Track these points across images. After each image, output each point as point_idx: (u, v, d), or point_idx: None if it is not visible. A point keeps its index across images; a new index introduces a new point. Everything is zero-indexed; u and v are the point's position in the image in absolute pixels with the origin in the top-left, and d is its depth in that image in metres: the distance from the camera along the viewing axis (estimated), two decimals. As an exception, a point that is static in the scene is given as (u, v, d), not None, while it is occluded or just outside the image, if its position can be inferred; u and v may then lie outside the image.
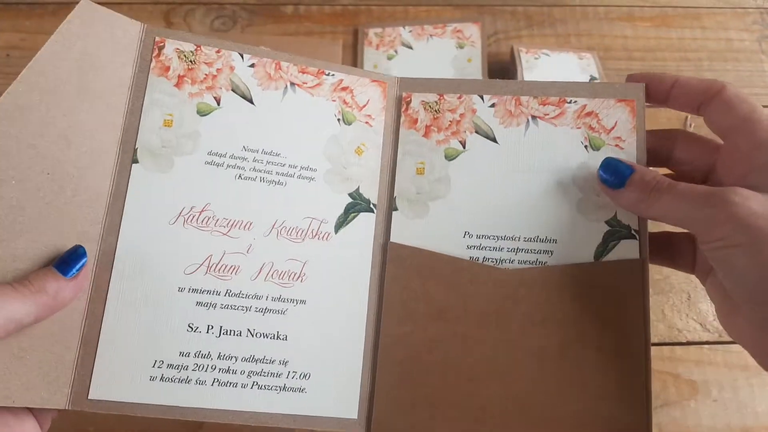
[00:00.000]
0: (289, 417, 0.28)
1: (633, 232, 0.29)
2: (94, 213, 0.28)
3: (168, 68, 0.30)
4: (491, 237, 0.30)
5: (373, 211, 0.31)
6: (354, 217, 0.31)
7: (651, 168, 0.28)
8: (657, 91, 0.29)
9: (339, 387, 0.29)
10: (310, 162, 0.31)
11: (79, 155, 0.28)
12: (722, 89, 0.26)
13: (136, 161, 0.29)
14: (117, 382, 0.27)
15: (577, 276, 0.28)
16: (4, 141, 0.26)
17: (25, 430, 0.26)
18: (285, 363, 0.28)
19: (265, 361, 0.28)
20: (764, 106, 0.54)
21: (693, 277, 0.49)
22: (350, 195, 0.31)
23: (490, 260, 0.29)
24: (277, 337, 0.29)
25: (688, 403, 0.46)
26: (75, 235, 0.27)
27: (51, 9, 0.59)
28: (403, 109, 0.32)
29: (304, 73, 0.32)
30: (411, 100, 0.32)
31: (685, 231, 0.29)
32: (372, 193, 0.31)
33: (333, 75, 0.32)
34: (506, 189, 0.30)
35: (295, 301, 0.29)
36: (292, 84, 0.31)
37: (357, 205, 0.31)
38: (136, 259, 0.28)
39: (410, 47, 0.55)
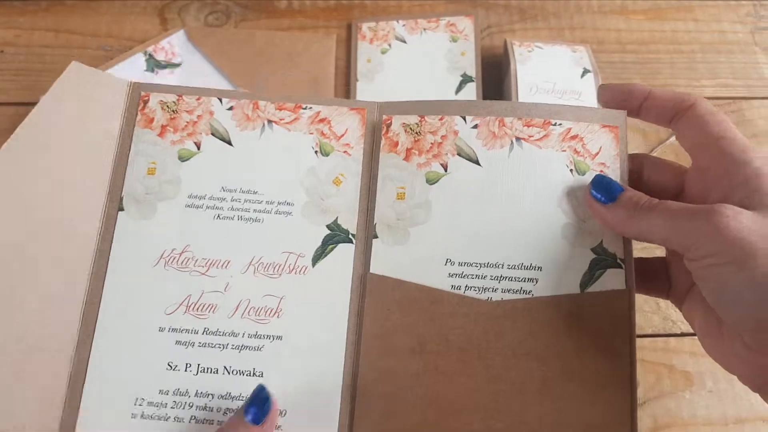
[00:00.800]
0: None
1: (619, 260, 0.28)
2: (83, 260, 0.30)
3: (152, 119, 0.32)
4: (474, 264, 0.29)
5: (351, 242, 0.31)
6: (332, 249, 0.30)
7: None
8: (629, 103, 0.28)
9: (316, 424, 0.28)
10: (287, 197, 0.31)
11: (70, 205, 0.30)
12: (693, 105, 0.26)
13: (122, 209, 0.31)
14: (101, 419, 0.28)
15: (561, 308, 0.28)
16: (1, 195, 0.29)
17: None
18: None
19: (240, 398, 0.28)
20: (759, 98, 0.54)
21: (687, 268, 0.50)
22: (328, 227, 0.31)
23: (473, 288, 0.28)
24: (253, 374, 0.29)
25: (683, 394, 0.46)
26: (65, 280, 0.29)
27: (44, 5, 0.59)
28: (383, 133, 0.31)
29: (281, 109, 0.32)
30: (391, 122, 0.32)
31: (658, 256, 0.28)
32: (351, 223, 0.31)
33: (310, 108, 0.32)
34: (489, 214, 0.29)
35: (271, 337, 0.29)
36: (270, 122, 0.32)
37: (335, 236, 0.31)
38: (120, 302, 0.29)
39: (404, 41, 0.55)
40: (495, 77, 0.55)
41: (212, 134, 0.32)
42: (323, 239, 0.30)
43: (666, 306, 0.49)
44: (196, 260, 0.30)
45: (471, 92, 0.52)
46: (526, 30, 0.58)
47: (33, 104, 0.52)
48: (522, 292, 0.28)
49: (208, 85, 0.54)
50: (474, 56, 0.54)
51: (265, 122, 0.32)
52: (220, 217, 0.31)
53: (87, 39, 0.57)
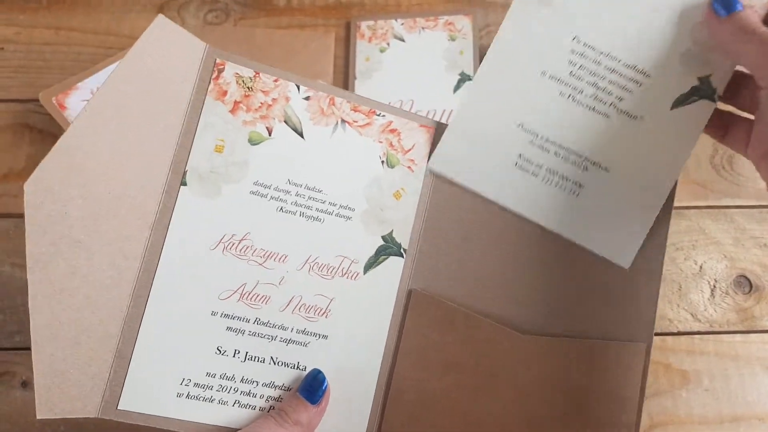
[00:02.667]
0: None
1: (402, 250, 0.32)
2: (140, 231, 0.29)
3: (225, 92, 0.31)
4: (596, 50, 0.31)
5: (402, 256, 0.32)
6: (384, 260, 0.32)
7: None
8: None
9: (349, 420, 0.30)
10: (349, 201, 0.32)
11: (135, 172, 0.29)
12: None
13: (184, 184, 0.30)
14: (146, 395, 0.28)
15: (587, 352, 0.31)
16: (79, 159, 0.27)
17: None
18: None
19: (283, 388, 0.30)
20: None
21: (684, 267, 0.50)
22: (383, 238, 0.32)
23: (587, 70, 0.31)
24: (297, 367, 0.30)
25: (680, 393, 0.46)
26: (118, 254, 0.28)
27: (45, 3, 0.59)
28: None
29: (355, 111, 0.33)
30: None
31: (747, 115, 0.30)
32: (404, 238, 0.32)
33: (383, 116, 0.33)
34: (628, 16, 0.31)
35: (317, 335, 0.30)
36: (343, 121, 0.32)
37: (388, 248, 0.32)
38: (175, 280, 0.29)
39: (402, 40, 0.55)
40: (493, 76, 0.55)
41: (285, 122, 0.32)
42: (377, 249, 0.32)
43: (663, 305, 0.49)
44: (255, 250, 0.30)
45: (469, 91, 0.52)
46: (525, 29, 0.58)
47: (33, 101, 0.53)
48: (624, 89, 0.31)
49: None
50: (472, 55, 0.54)
51: (339, 121, 0.32)
52: (284, 210, 0.31)
53: (87, 36, 0.58)
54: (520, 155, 0.31)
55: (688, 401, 0.46)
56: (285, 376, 0.30)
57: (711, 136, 0.31)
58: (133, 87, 0.29)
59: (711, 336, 0.48)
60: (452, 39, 0.55)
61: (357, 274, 0.31)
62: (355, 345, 0.31)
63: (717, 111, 0.31)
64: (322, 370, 0.30)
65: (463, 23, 0.55)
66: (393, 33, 0.56)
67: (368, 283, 0.31)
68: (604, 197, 0.31)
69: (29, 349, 0.26)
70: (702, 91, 0.30)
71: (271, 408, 0.29)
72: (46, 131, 0.53)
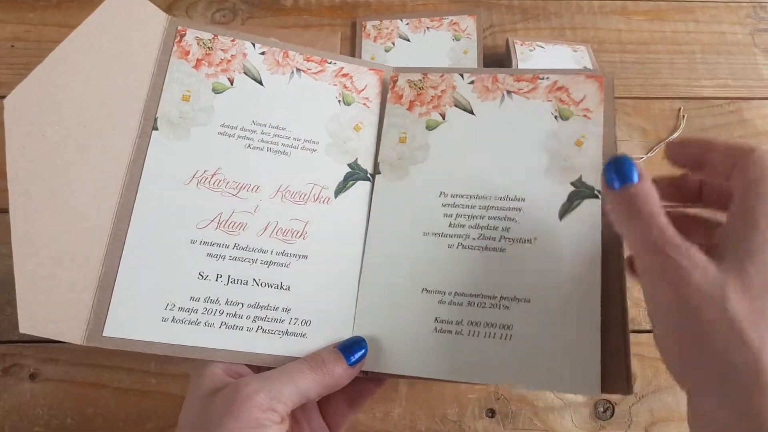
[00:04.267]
0: (290, 359, 0.29)
1: (596, 192, 0.30)
2: (116, 169, 0.31)
3: (188, 52, 0.34)
4: (465, 196, 0.32)
5: (369, 180, 0.34)
6: (352, 185, 0.33)
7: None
8: (693, 156, 0.27)
9: (336, 332, 0.31)
10: (312, 136, 0.34)
11: (108, 115, 0.31)
12: (752, 150, 0.24)
13: (156, 128, 0.32)
14: (130, 321, 0.29)
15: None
16: (54, 90, 0.29)
17: None
18: (287, 310, 0.31)
19: (269, 308, 0.30)
20: (758, 99, 0.55)
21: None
22: (349, 165, 0.34)
23: (463, 216, 0.31)
24: (281, 287, 0.31)
25: (680, 389, 0.47)
26: (96, 188, 0.30)
27: (54, 2, 0.60)
28: (390, 87, 0.35)
29: (308, 61, 0.35)
30: (398, 79, 0.35)
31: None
32: (368, 164, 0.34)
33: (335, 63, 0.35)
34: (480, 155, 0.33)
35: (297, 256, 0.32)
36: (298, 70, 0.35)
37: (355, 174, 0.34)
38: (152, 213, 0.31)
39: (407, 39, 0.56)
40: (497, 75, 0.56)
41: (245, 73, 0.34)
42: (345, 175, 0.33)
43: (664, 302, 0.49)
44: (228, 182, 0.32)
45: (473, 90, 0.53)
46: (528, 29, 0.59)
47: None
48: (506, 219, 0.31)
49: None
50: (476, 55, 0.54)
51: (294, 70, 0.35)
52: (251, 147, 0.33)
53: (96, 35, 0.58)
54: (435, 318, 0.30)
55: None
56: (269, 296, 0.30)
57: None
58: (101, 40, 0.31)
59: (712, 333, 0.49)
60: (456, 39, 0.55)
61: (329, 199, 0.33)
62: (334, 263, 0.32)
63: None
64: (306, 288, 0.31)
65: (468, 23, 0.56)
66: (398, 33, 0.56)
67: (340, 206, 0.33)
68: (539, 330, 0.29)
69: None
70: (581, 192, 0.30)
71: (259, 328, 0.30)
72: (55, 128, 0.54)
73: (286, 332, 0.30)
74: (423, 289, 0.31)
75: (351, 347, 0.29)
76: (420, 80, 0.35)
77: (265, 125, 0.33)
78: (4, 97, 0.28)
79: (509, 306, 0.29)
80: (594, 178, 0.30)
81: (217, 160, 0.32)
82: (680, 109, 0.55)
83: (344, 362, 0.29)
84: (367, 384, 0.31)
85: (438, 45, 0.55)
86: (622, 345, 0.27)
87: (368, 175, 0.34)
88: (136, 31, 0.33)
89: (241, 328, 0.30)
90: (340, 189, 0.33)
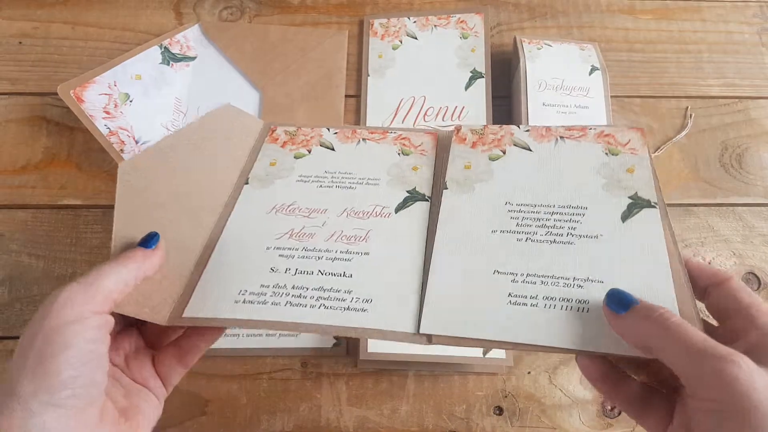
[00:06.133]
0: (351, 329, 0.31)
1: (653, 203, 0.33)
2: (212, 209, 0.39)
3: (277, 139, 0.43)
4: (529, 205, 0.35)
5: (427, 201, 0.38)
6: (411, 204, 0.38)
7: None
8: None
9: (398, 310, 0.32)
10: (375, 176, 0.40)
11: (209, 180, 0.40)
12: (730, 279, 0.28)
13: (247, 183, 0.40)
14: (207, 305, 0.33)
15: None
16: (167, 156, 0.38)
17: (150, 401, 0.32)
18: (349, 292, 0.33)
19: (332, 290, 0.33)
20: (765, 98, 0.55)
21: (693, 263, 0.50)
22: (408, 191, 0.39)
23: (529, 219, 0.34)
24: (344, 275, 0.34)
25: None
26: (196, 219, 0.38)
27: (62, -1, 0.60)
28: (454, 133, 0.41)
29: (372, 133, 0.43)
30: (461, 128, 0.41)
31: (663, 391, 0.28)
32: (425, 190, 0.38)
33: (394, 132, 0.42)
34: (540, 178, 0.36)
35: (359, 253, 0.35)
36: (364, 139, 0.42)
37: (414, 196, 0.38)
38: (238, 233, 0.37)
39: (415, 37, 0.56)
40: (504, 74, 0.56)
41: (320, 145, 0.42)
42: (404, 198, 0.38)
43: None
44: (301, 209, 0.38)
45: (480, 88, 0.53)
46: (536, 28, 0.59)
47: (50, 94, 0.53)
48: (572, 221, 0.33)
49: (221, 78, 0.55)
50: (484, 53, 0.54)
51: (361, 139, 0.42)
52: (322, 186, 0.39)
53: (104, 32, 0.58)
54: (509, 294, 0.31)
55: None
56: (333, 282, 0.33)
57: (631, 415, 0.29)
58: (204, 134, 0.41)
59: (719, 332, 0.49)
60: (464, 37, 0.55)
61: (389, 214, 0.37)
62: (395, 257, 0.35)
63: (645, 389, 0.29)
64: (367, 276, 0.34)
65: (475, 21, 0.56)
66: (406, 30, 0.56)
67: (399, 218, 0.37)
68: None
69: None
70: (639, 203, 0.33)
71: (321, 306, 0.32)
72: (62, 124, 0.54)
73: (348, 308, 0.32)
74: (495, 271, 0.32)
75: (146, 239, 0.32)
76: (481, 129, 0.40)
77: (335, 172, 0.40)
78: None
79: (583, 286, 0.30)
80: (649, 194, 0.33)
81: (294, 196, 0.39)
82: (687, 108, 0.55)
83: (143, 248, 0.31)
84: (195, 341, 0.33)
85: (445, 43, 0.55)
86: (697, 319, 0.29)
87: (426, 198, 0.38)
88: (240, 129, 0.43)
89: (305, 305, 0.32)
90: (400, 207, 0.37)
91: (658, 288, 0.29)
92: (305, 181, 0.40)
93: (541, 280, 0.31)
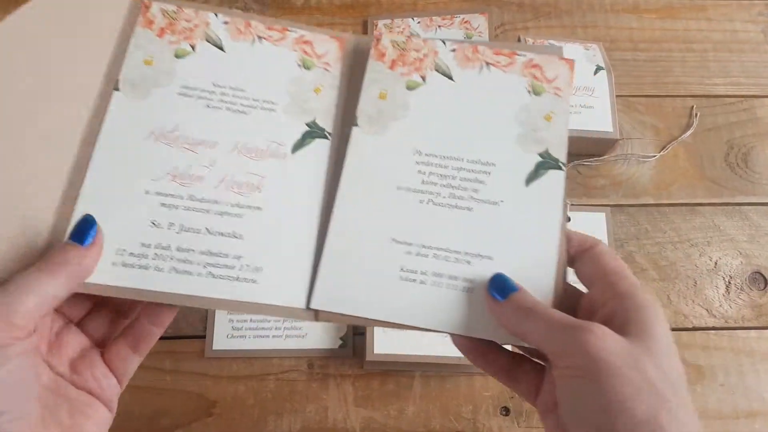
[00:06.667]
0: (240, 303, 0.30)
1: (561, 164, 0.32)
2: (76, 123, 0.32)
3: (152, 22, 0.35)
4: (439, 156, 0.33)
5: (327, 138, 0.34)
6: (310, 142, 0.34)
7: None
8: None
9: (289, 279, 0.31)
10: (271, 97, 0.34)
11: (69, 81, 0.32)
12: (595, 245, 0.29)
13: (117, 89, 0.33)
14: None
15: None
16: (18, 44, 0.31)
17: (98, 414, 0.28)
18: (239, 258, 0.31)
19: (220, 255, 0.31)
20: (770, 96, 0.55)
21: (699, 263, 0.50)
22: (307, 124, 0.34)
23: (436, 175, 0.33)
24: (233, 235, 0.31)
25: (695, 388, 0.47)
26: (54, 142, 0.31)
27: None
28: (373, 44, 0.36)
29: (270, 29, 0.36)
30: (381, 38, 0.36)
31: (537, 360, 0.30)
32: (327, 124, 0.34)
33: (295, 31, 0.36)
34: (456, 119, 0.34)
35: (251, 208, 0.32)
36: (259, 37, 0.36)
37: (313, 132, 0.34)
38: (109, 165, 0.32)
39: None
40: (509, 74, 0.55)
41: (206, 40, 0.35)
42: (303, 134, 0.34)
43: (678, 301, 0.49)
44: (185, 138, 0.33)
45: (485, 88, 0.53)
46: (540, 27, 0.58)
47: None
48: (476, 181, 0.32)
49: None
50: (488, 53, 0.54)
51: (255, 37, 0.36)
52: (210, 106, 0.34)
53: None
54: (401, 268, 0.31)
55: (703, 396, 0.46)
56: (221, 244, 0.31)
57: (503, 383, 0.31)
58: (64, 7, 0.33)
59: (726, 332, 0.49)
60: (468, 37, 0.55)
61: (285, 155, 0.33)
62: (289, 215, 0.32)
63: (512, 357, 0.30)
64: (258, 237, 0.31)
65: (479, 21, 0.56)
66: (409, 31, 0.56)
67: (297, 161, 0.33)
68: None
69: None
70: (546, 163, 0.33)
71: (209, 274, 0.30)
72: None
73: (237, 278, 0.30)
74: (392, 239, 0.32)
75: (79, 229, 0.28)
76: (404, 42, 0.36)
77: (224, 87, 0.34)
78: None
79: (471, 262, 0.31)
80: (559, 152, 0.32)
81: (176, 118, 0.33)
82: (693, 107, 0.55)
83: (77, 246, 0.27)
84: (148, 327, 0.30)
85: (450, 43, 0.55)
86: (565, 294, 0.30)
87: (326, 134, 0.34)
88: (99, 5, 0.35)
89: (191, 273, 0.30)
90: (298, 146, 0.34)
91: (543, 263, 0.30)
92: (189, 96, 0.34)
93: (434, 254, 0.31)
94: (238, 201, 0.32)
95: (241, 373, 0.46)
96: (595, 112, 0.50)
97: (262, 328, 0.47)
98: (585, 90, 0.51)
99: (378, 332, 0.46)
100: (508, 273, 0.30)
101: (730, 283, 0.50)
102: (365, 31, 0.57)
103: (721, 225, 0.52)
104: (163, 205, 0.31)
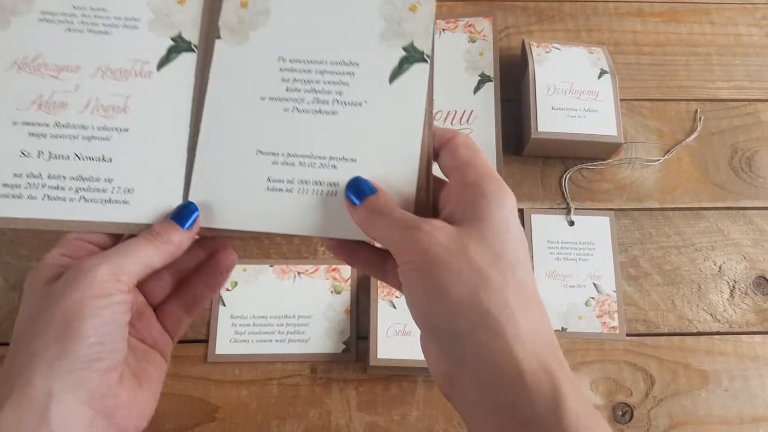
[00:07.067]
0: (114, 224, 0.31)
1: (426, 56, 0.32)
2: None
3: None
4: (302, 61, 0.33)
5: (194, 51, 0.34)
6: (176, 57, 0.34)
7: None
8: None
9: (163, 198, 0.32)
10: (133, 13, 0.34)
11: None
12: (453, 137, 0.30)
13: None
14: None
15: None
16: None
17: (157, 360, 0.31)
18: (110, 180, 0.32)
19: (91, 179, 0.31)
20: (775, 100, 0.55)
21: (703, 267, 0.50)
22: (172, 39, 0.34)
23: (300, 81, 0.33)
24: (102, 159, 0.32)
25: (699, 393, 0.46)
26: None
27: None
28: None
29: None
30: None
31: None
32: (193, 36, 0.34)
33: None
34: (319, 19, 0.33)
35: (118, 130, 0.32)
36: None
37: (179, 47, 0.34)
38: None
39: (422, 41, 0.56)
40: (513, 77, 0.55)
41: None
42: (168, 49, 0.34)
43: (682, 305, 0.49)
44: (48, 65, 0.33)
45: (489, 92, 0.53)
46: (544, 31, 0.58)
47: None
48: (340, 83, 0.33)
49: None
50: (492, 56, 0.54)
51: None
52: (71, 30, 0.33)
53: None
54: (268, 178, 0.32)
55: (707, 401, 0.46)
56: (91, 169, 0.32)
57: (372, 276, 0.32)
58: None
59: (730, 336, 0.48)
60: (472, 41, 0.55)
61: (150, 72, 0.33)
62: (158, 134, 0.33)
63: (378, 253, 0.32)
64: (128, 159, 0.32)
65: (484, 25, 0.56)
66: (413, 34, 0.56)
67: (163, 78, 0.33)
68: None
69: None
70: (411, 57, 0.32)
71: (81, 198, 0.31)
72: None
73: (109, 200, 0.31)
74: (258, 151, 0.32)
75: (182, 213, 0.31)
76: None
77: (85, 8, 0.33)
78: None
79: (337, 166, 0.32)
80: (424, 44, 0.32)
81: (38, 45, 0.33)
82: (697, 111, 0.55)
83: (179, 228, 0.30)
84: (201, 289, 0.33)
85: (454, 47, 0.55)
86: (429, 188, 0.31)
87: (192, 47, 0.34)
88: None
89: (64, 199, 0.31)
90: (163, 62, 0.33)
91: (406, 161, 0.31)
92: (50, 22, 0.33)
93: (299, 161, 0.32)
94: (104, 124, 0.32)
95: (243, 377, 0.46)
96: (599, 115, 0.50)
97: (265, 333, 0.47)
98: (589, 94, 0.51)
99: (382, 337, 0.46)
100: (372, 174, 0.31)
101: (734, 287, 0.50)
102: (369, 35, 0.57)
103: (725, 229, 0.52)
104: (31, 134, 0.32)
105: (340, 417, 0.45)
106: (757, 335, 0.48)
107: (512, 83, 0.55)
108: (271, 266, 0.49)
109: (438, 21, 0.56)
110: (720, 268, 0.50)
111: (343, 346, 0.47)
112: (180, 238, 0.30)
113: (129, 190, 0.31)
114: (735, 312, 0.49)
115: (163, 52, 0.33)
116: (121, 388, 0.27)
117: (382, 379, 0.46)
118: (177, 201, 0.32)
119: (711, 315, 0.49)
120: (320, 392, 0.45)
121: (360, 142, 0.32)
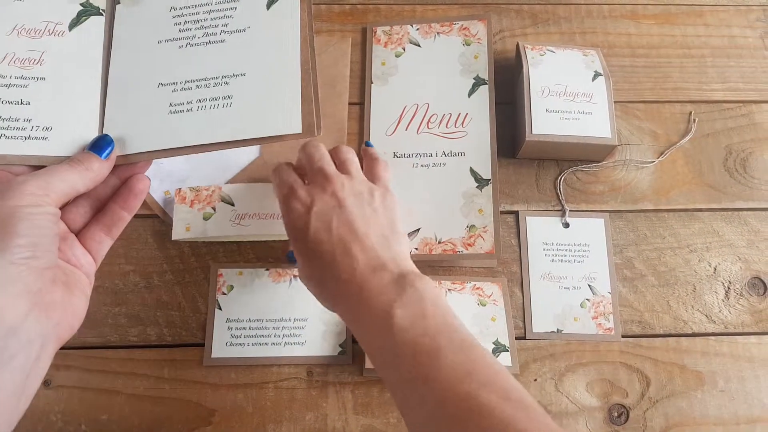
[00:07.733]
0: (35, 157, 0.35)
1: (102, 11, 0.39)
2: None
3: None
4: (191, 6, 0.39)
5: (102, 14, 0.39)
6: (85, 20, 0.38)
7: None
8: None
9: (79, 135, 0.36)
10: None
11: None
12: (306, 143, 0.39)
13: None
14: None
15: None
16: None
17: (82, 280, 0.34)
18: (29, 120, 0.35)
19: (11, 119, 0.35)
20: (768, 102, 0.55)
21: (698, 268, 0.50)
22: (81, 4, 0.39)
23: (191, 21, 0.39)
24: (21, 102, 0.36)
25: (695, 394, 0.47)
26: None
27: None
28: None
29: None
30: None
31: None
32: (101, 2, 0.39)
33: None
34: None
35: (35, 78, 0.37)
36: None
37: (87, 11, 0.39)
38: None
39: (418, 45, 0.56)
40: (507, 80, 0.56)
41: None
42: (78, 13, 0.38)
43: (677, 307, 0.49)
44: None
45: (484, 95, 0.53)
46: (538, 34, 0.59)
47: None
48: (225, 17, 0.39)
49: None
50: (487, 59, 0.54)
51: None
52: None
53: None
54: (170, 104, 0.37)
55: (703, 402, 0.46)
56: (11, 111, 0.35)
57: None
58: None
59: (726, 337, 0.48)
60: (467, 44, 0.55)
61: (63, 32, 0.38)
62: (72, 81, 0.37)
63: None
64: (45, 102, 0.36)
65: (478, 28, 0.56)
66: (408, 38, 0.56)
67: (75, 37, 0.38)
68: (253, 92, 0.37)
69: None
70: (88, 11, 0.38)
71: (2, 136, 0.35)
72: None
73: (29, 137, 0.35)
74: (159, 84, 0.37)
75: (99, 143, 0.35)
76: None
77: None
78: None
79: (229, 82, 0.37)
80: None
81: None
82: (691, 112, 0.55)
83: (97, 157, 0.34)
84: (119, 212, 0.36)
85: (448, 50, 0.55)
86: (313, 99, 0.36)
87: (100, 11, 0.39)
88: None
89: None
90: (74, 23, 0.38)
91: (288, 69, 0.37)
92: None
93: (196, 84, 0.37)
94: (21, 74, 0.36)
95: (240, 381, 0.46)
96: (593, 118, 0.50)
97: (261, 336, 0.47)
98: (583, 96, 0.51)
99: (377, 339, 0.46)
100: (261, 82, 0.37)
101: (729, 288, 0.50)
102: (364, 38, 0.57)
103: (720, 230, 0.52)
104: None
105: (336, 420, 0.45)
106: (752, 336, 0.49)
107: (507, 86, 0.55)
108: (267, 270, 0.49)
109: (433, 24, 0.57)
110: (715, 269, 0.51)
111: (340, 349, 0.47)
112: (99, 166, 0.34)
113: (47, 128, 0.35)
114: (730, 313, 0.49)
115: (73, 15, 0.38)
116: (55, 288, 0.31)
117: (379, 381, 0.46)
118: (93, 135, 0.36)
119: (706, 316, 0.49)
120: (316, 395, 0.45)
121: (247, 60, 0.37)
